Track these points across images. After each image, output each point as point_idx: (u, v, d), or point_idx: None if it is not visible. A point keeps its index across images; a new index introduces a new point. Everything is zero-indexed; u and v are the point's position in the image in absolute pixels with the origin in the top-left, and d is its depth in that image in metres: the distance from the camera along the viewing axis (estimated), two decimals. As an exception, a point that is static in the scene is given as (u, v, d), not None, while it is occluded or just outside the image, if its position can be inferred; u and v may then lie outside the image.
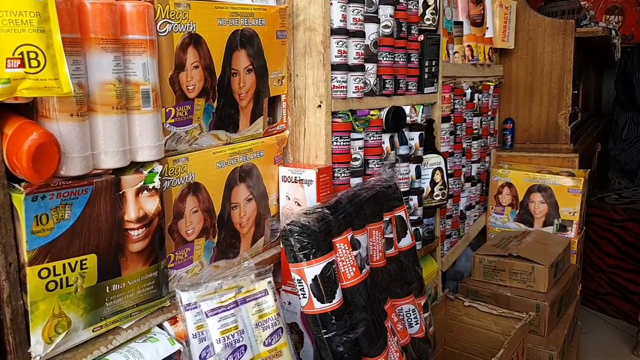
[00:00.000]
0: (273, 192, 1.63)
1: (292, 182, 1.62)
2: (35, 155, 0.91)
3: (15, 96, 0.90)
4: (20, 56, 0.87)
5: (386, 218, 1.67)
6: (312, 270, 1.36)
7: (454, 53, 2.60)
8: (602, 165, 4.65)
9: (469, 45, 2.72)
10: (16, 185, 0.97)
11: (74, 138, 1.00)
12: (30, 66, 0.88)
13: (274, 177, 1.63)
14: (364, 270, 1.49)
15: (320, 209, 1.44)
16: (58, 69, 0.91)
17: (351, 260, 1.45)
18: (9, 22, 0.85)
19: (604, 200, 3.79)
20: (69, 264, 1.04)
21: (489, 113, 3.09)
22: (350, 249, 1.45)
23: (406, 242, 1.76)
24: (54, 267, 1.02)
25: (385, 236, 1.65)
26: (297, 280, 1.38)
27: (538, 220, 3.03)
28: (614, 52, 3.74)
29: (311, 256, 1.36)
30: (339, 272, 1.43)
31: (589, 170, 3.09)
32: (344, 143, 1.71)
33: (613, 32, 3.56)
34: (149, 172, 1.17)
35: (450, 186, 2.48)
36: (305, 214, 1.42)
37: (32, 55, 0.88)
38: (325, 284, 1.37)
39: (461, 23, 2.65)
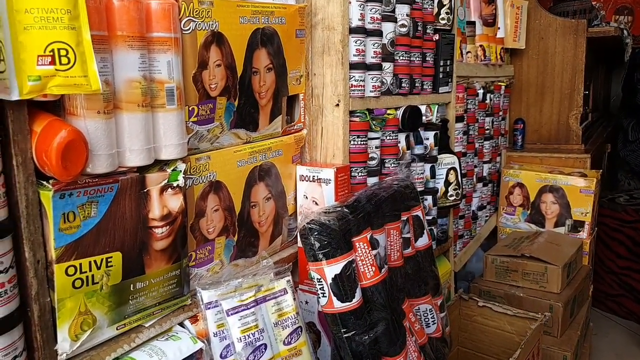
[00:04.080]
0: (291, 191, 1.63)
1: (310, 181, 1.62)
2: (64, 153, 0.91)
3: (45, 93, 0.90)
4: (51, 53, 0.87)
5: (404, 217, 1.66)
6: (332, 269, 1.36)
7: (467, 53, 2.59)
8: (611, 166, 4.64)
9: (481, 45, 2.72)
10: (44, 183, 0.97)
11: (101, 135, 1.00)
12: (60, 63, 0.88)
13: (291, 176, 1.63)
14: (383, 270, 1.48)
15: (339, 208, 1.44)
16: (87, 66, 0.91)
17: (371, 260, 1.44)
18: (40, 19, 0.86)
19: (615, 201, 3.78)
20: (95, 261, 1.04)
21: (500, 113, 3.08)
22: (370, 248, 1.45)
23: (423, 241, 1.76)
24: (81, 264, 1.02)
25: (403, 236, 1.65)
26: (317, 279, 1.38)
27: (549, 221, 3.02)
28: (625, 52, 3.73)
29: (331, 255, 1.36)
30: (359, 272, 1.43)
31: (601, 170, 3.09)
32: (361, 142, 1.71)
33: (625, 32, 3.55)
34: (172, 170, 1.17)
35: (463, 186, 2.47)
36: (325, 213, 1.41)
37: (63, 52, 0.88)
38: (345, 283, 1.37)
39: (474, 23, 2.64)
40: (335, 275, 1.36)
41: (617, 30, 3.27)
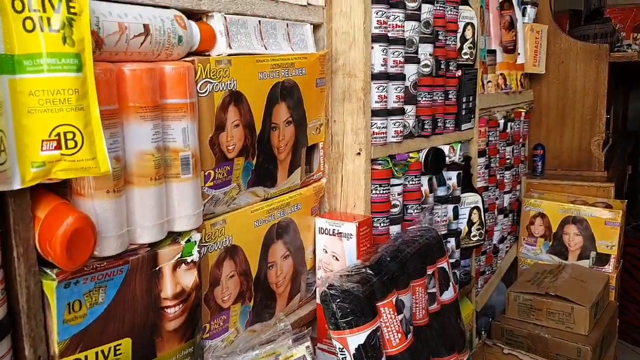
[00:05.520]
0: (309, 244, 1.54)
1: (330, 234, 1.52)
2: (70, 242, 0.83)
3: (49, 178, 0.82)
4: (57, 137, 0.79)
5: (429, 272, 1.57)
6: (356, 339, 1.27)
7: (488, 82, 2.50)
8: (631, 189, 4.51)
9: (501, 74, 2.63)
10: (47, 271, 0.88)
11: (110, 216, 0.92)
12: (67, 147, 0.80)
13: (310, 228, 1.54)
14: (409, 335, 1.39)
15: (363, 270, 1.35)
16: (96, 147, 0.83)
17: (396, 326, 1.35)
18: (46, 101, 0.77)
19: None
20: (102, 351, 0.95)
21: (520, 140, 2.99)
22: (396, 314, 1.36)
23: (449, 295, 1.66)
24: (86, 356, 0.93)
25: (429, 291, 1.56)
26: (339, 348, 1.29)
27: (573, 253, 2.91)
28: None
29: (354, 324, 1.27)
30: (384, 339, 1.34)
31: (626, 200, 2.97)
32: (384, 191, 1.62)
33: (647, 55, 3.44)
34: (186, 242, 1.08)
35: (486, 226, 2.38)
36: (347, 276, 1.33)
37: (70, 135, 0.80)
38: (369, 353, 1.28)
39: (494, 51, 2.56)
40: (359, 345, 1.27)
41: (640, 55, 3.18)
